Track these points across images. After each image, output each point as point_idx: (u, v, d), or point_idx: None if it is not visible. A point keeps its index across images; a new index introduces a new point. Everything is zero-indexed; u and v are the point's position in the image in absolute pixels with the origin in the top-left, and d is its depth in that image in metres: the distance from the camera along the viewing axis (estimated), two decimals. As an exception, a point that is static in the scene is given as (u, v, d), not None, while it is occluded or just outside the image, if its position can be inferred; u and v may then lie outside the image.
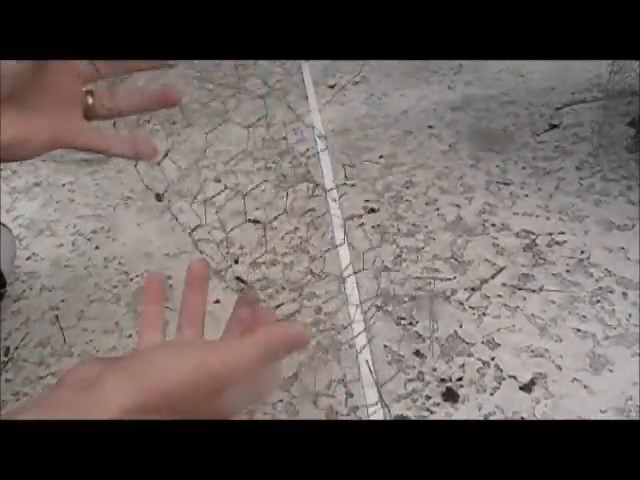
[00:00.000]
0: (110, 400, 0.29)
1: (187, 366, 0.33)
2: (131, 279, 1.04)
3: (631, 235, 1.01)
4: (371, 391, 0.80)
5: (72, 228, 1.19)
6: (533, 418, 0.73)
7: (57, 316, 0.98)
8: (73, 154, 1.43)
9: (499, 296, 0.93)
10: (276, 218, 1.15)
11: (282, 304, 0.96)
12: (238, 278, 1.03)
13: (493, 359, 0.83)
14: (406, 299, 0.94)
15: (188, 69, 1.78)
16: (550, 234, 1.03)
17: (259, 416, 0.78)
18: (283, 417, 0.77)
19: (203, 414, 0.33)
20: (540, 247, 1.01)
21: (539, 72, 1.55)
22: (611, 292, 0.90)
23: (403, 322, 0.90)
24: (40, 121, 0.36)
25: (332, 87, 1.63)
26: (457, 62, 1.65)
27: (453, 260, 1.00)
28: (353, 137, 1.39)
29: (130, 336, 0.92)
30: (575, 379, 0.78)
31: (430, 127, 1.40)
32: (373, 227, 1.10)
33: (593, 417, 0.73)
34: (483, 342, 0.85)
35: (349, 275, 1.00)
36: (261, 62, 1.79)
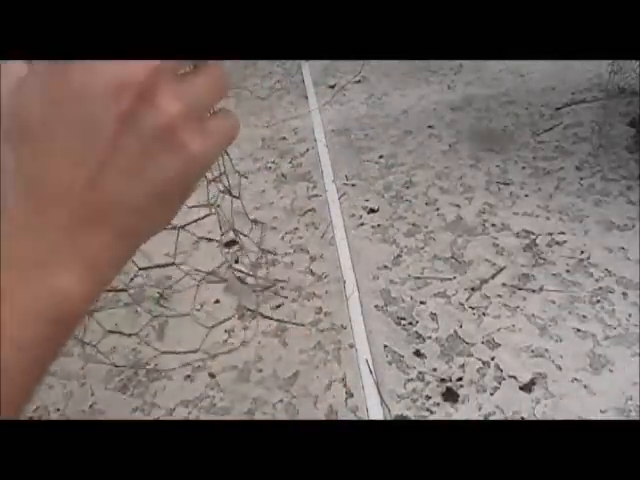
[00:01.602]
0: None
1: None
2: (131, 279, 1.04)
3: (631, 235, 1.00)
4: (371, 391, 0.80)
5: (72, 228, 1.19)
6: (533, 418, 0.73)
7: (57, 316, 0.98)
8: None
9: (499, 296, 0.93)
10: (276, 218, 1.15)
11: (282, 304, 0.96)
12: (238, 278, 1.03)
13: (493, 359, 0.83)
14: (406, 299, 0.94)
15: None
16: (550, 234, 1.03)
17: (259, 416, 0.78)
18: (283, 417, 0.77)
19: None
20: (540, 247, 1.01)
21: (539, 72, 1.55)
22: (611, 292, 0.90)
23: (403, 322, 0.90)
24: None
25: (332, 87, 1.63)
26: (457, 62, 1.65)
27: (453, 260, 1.00)
28: (353, 137, 1.39)
29: (130, 336, 0.92)
30: (575, 379, 0.78)
31: (430, 127, 1.40)
32: (373, 227, 1.10)
33: (593, 417, 0.73)
34: (483, 342, 0.85)
35: (349, 275, 1.00)
36: (261, 62, 1.79)
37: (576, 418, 0.72)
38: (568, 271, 0.95)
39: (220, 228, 1.08)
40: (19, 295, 0.26)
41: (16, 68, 0.31)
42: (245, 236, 1.11)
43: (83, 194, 0.26)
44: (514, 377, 0.80)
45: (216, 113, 0.31)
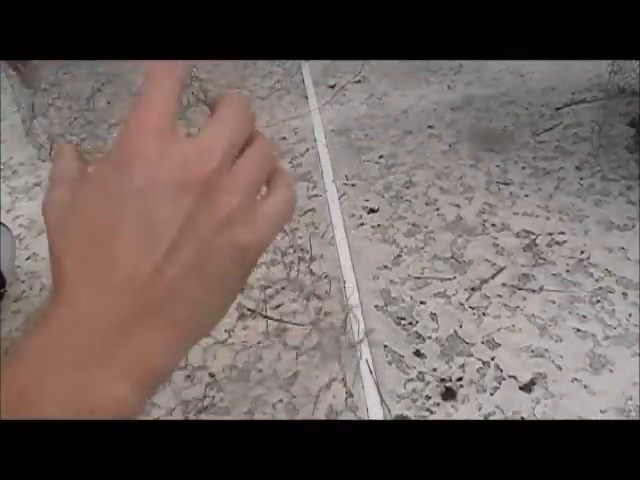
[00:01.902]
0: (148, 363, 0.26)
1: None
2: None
3: (631, 235, 1.00)
4: (371, 391, 0.80)
5: (72, 228, 1.19)
6: (533, 418, 0.73)
7: (57, 316, 0.98)
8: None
9: (499, 296, 0.93)
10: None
11: (282, 304, 0.96)
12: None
13: (493, 359, 0.83)
14: (406, 299, 0.94)
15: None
16: (550, 234, 1.03)
17: (259, 416, 0.78)
18: (283, 417, 0.77)
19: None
20: (540, 247, 1.01)
21: (539, 72, 1.55)
22: (611, 292, 0.90)
23: (403, 322, 0.90)
24: None
25: (332, 87, 1.63)
26: (457, 62, 1.65)
27: (453, 260, 1.00)
28: (353, 137, 1.39)
29: (130, 336, 0.92)
30: (575, 379, 0.78)
31: (430, 127, 1.40)
32: (373, 227, 1.10)
33: (593, 417, 0.72)
34: (483, 342, 0.85)
35: (349, 275, 1.00)
36: (261, 62, 1.79)
37: (576, 418, 0.72)
38: (568, 271, 0.95)
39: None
40: (69, 391, 0.25)
41: (72, 167, 0.32)
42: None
43: (145, 287, 0.27)
44: (514, 377, 0.80)
45: (271, 189, 0.32)
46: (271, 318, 0.93)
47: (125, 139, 0.28)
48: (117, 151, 0.28)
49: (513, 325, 0.87)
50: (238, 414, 0.79)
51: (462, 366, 0.82)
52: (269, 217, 0.30)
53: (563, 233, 1.03)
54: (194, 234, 0.26)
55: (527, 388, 0.78)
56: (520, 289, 0.93)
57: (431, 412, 0.76)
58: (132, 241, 0.26)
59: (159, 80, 0.30)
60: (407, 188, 1.19)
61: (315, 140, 1.38)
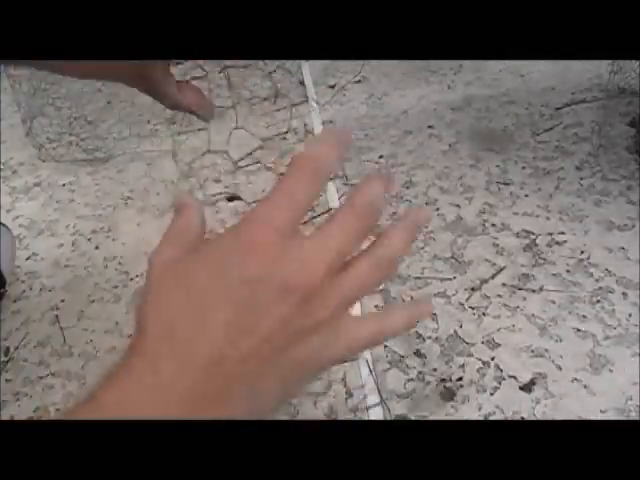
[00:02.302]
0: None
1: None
2: (131, 279, 1.04)
3: (631, 235, 1.01)
4: (371, 391, 0.80)
5: (72, 228, 1.19)
6: (533, 418, 0.73)
7: (57, 316, 0.98)
8: (73, 154, 1.43)
9: (499, 296, 0.93)
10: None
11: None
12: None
13: (493, 359, 0.83)
14: (406, 299, 0.94)
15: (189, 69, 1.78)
16: (550, 234, 1.03)
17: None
18: (283, 417, 0.77)
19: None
20: (540, 247, 1.01)
21: (539, 72, 1.55)
22: (611, 292, 0.90)
23: (403, 322, 0.90)
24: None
25: (332, 87, 1.63)
26: (457, 62, 1.65)
27: (453, 260, 1.00)
28: (353, 137, 1.39)
29: (130, 336, 0.92)
30: (575, 379, 0.78)
31: (430, 127, 1.40)
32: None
33: (593, 417, 0.73)
34: (483, 342, 0.85)
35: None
36: (261, 62, 1.79)
37: (576, 418, 0.72)
38: (568, 271, 0.95)
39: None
40: None
41: (193, 229, 0.32)
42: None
43: (223, 372, 0.27)
44: (514, 377, 0.80)
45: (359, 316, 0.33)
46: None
47: (251, 225, 0.29)
48: (240, 233, 0.28)
49: (513, 325, 0.87)
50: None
51: (462, 366, 0.82)
52: (354, 336, 0.31)
53: (563, 233, 1.03)
54: (285, 335, 0.27)
55: (527, 388, 0.78)
56: (520, 289, 0.93)
57: (431, 412, 0.76)
58: (225, 325, 0.26)
59: (303, 180, 0.31)
60: (407, 188, 1.19)
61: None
